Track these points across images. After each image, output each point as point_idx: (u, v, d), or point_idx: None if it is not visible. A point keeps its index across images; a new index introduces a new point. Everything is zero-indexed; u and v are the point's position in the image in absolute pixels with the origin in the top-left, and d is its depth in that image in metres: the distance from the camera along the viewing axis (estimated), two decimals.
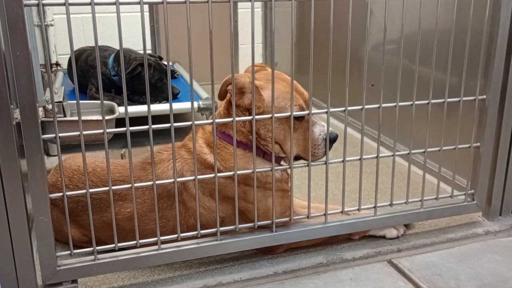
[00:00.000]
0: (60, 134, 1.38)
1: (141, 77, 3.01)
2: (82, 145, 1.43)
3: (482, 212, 2.01)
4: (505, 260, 1.74)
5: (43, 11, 1.27)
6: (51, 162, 2.52)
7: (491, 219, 1.99)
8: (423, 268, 1.70)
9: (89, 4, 1.29)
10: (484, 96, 1.80)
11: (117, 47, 3.17)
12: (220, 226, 1.62)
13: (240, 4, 4.32)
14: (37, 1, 1.26)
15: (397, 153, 1.78)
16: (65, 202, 1.45)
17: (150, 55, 3.31)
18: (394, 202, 1.81)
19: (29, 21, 1.48)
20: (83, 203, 1.71)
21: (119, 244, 1.54)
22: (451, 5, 1.66)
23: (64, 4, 1.27)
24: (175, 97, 3.17)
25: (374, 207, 1.79)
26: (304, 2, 3.65)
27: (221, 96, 1.72)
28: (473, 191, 1.93)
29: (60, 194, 1.43)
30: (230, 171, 1.61)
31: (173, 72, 3.84)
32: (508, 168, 1.93)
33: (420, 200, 1.85)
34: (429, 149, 1.80)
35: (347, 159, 1.69)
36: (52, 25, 3.86)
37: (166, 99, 3.10)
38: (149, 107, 1.44)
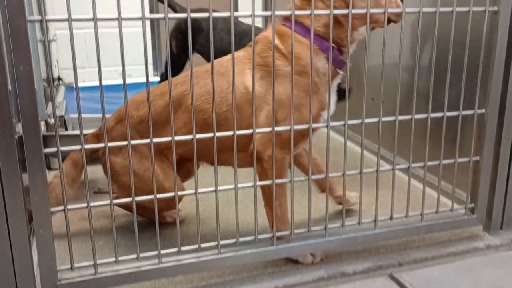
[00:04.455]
0: (62, 148, 1.39)
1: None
2: (83, 159, 1.44)
3: (483, 226, 2.01)
4: (507, 274, 1.73)
5: (46, 26, 1.29)
6: (52, 176, 2.52)
7: (492, 233, 1.99)
8: (424, 282, 1.69)
9: (92, 20, 1.31)
10: (483, 110, 1.81)
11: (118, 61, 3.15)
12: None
13: None
14: (41, 17, 1.28)
15: (397, 166, 1.78)
16: (67, 217, 1.46)
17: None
18: (394, 216, 1.81)
19: (32, 36, 1.50)
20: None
21: (120, 258, 1.54)
22: (449, 19, 1.67)
23: (67, 20, 1.29)
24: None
25: (375, 220, 1.79)
26: None
27: None
28: (473, 205, 1.93)
29: (62, 208, 1.44)
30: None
31: None
32: (509, 182, 1.93)
33: (420, 214, 1.85)
34: (428, 163, 1.80)
35: (347, 172, 1.70)
36: (54, 40, 3.89)
37: None
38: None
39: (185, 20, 1.45)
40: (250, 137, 1.60)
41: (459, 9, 1.65)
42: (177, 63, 2.84)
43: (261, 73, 1.69)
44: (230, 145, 1.55)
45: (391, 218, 1.81)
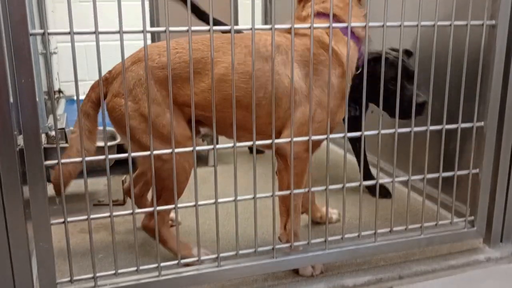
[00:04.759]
0: (63, 161, 1.40)
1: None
2: (84, 171, 1.44)
3: (483, 239, 2.00)
4: (507, 287, 1.73)
5: (48, 39, 1.30)
6: (52, 189, 2.52)
7: (492, 246, 1.98)
8: None
9: (93, 33, 1.32)
10: (482, 123, 1.82)
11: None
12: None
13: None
14: (43, 31, 1.29)
15: (396, 179, 1.78)
16: (66, 229, 1.46)
17: (392, 49, 2.26)
18: (394, 229, 1.81)
19: (34, 49, 1.51)
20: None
21: (120, 270, 1.54)
22: (448, 33, 1.69)
23: (69, 33, 1.30)
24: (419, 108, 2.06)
25: (374, 233, 1.79)
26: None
27: None
28: (473, 217, 1.93)
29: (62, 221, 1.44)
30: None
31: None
32: (508, 195, 1.94)
33: (420, 227, 1.85)
34: (428, 175, 1.81)
35: (347, 185, 1.70)
36: (55, 53, 3.91)
37: (405, 114, 1.87)
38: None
39: None
40: (279, 127, 1.63)
41: (457, 22, 1.67)
42: None
43: (307, 70, 1.69)
44: (247, 124, 1.58)
45: (391, 231, 1.81)
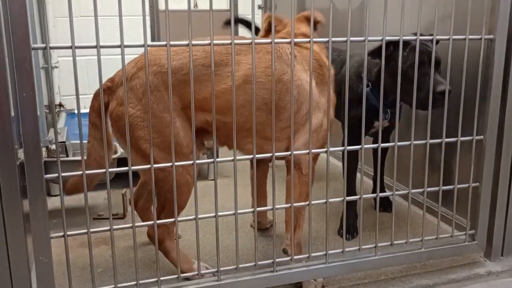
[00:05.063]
0: (63, 174, 1.40)
1: (390, 63, 1.89)
2: (84, 184, 1.44)
3: (484, 253, 2.00)
4: None
5: (49, 54, 1.31)
6: (52, 202, 2.52)
7: (493, 259, 1.98)
8: None
9: (95, 47, 1.33)
10: (482, 136, 1.83)
11: None
12: None
13: None
14: (45, 45, 1.30)
15: (396, 192, 1.78)
16: (66, 243, 1.45)
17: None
18: (394, 242, 1.81)
19: (35, 63, 1.52)
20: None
21: (119, 285, 1.53)
22: (446, 47, 1.70)
23: (70, 47, 1.31)
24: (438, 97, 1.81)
25: (375, 246, 1.78)
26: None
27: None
28: (473, 231, 1.92)
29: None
30: None
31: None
32: (509, 208, 1.93)
33: (421, 240, 1.84)
34: (428, 189, 1.81)
35: (347, 198, 1.70)
36: (56, 67, 3.93)
37: (423, 104, 1.81)
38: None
39: None
40: (294, 132, 1.67)
41: (456, 37, 1.68)
42: None
43: (317, 79, 1.76)
44: (267, 128, 1.64)
45: (391, 244, 1.81)
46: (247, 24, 2.79)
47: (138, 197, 2.07)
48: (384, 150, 1.85)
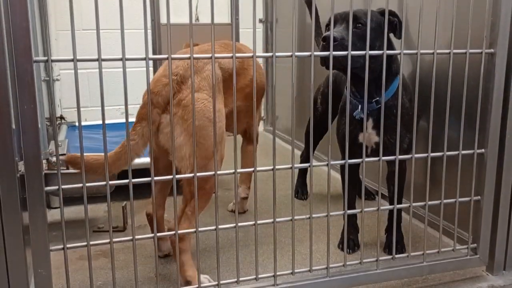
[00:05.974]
0: (63, 186, 1.39)
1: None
2: (84, 197, 1.44)
3: (486, 267, 1.98)
4: None
5: (51, 67, 1.32)
6: (51, 215, 2.51)
7: (495, 273, 1.96)
8: None
9: (97, 60, 1.34)
10: (483, 150, 1.82)
11: (120, 101, 3.18)
12: None
13: None
14: (46, 58, 1.30)
15: (398, 206, 1.78)
16: (66, 256, 1.44)
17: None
18: (396, 256, 1.80)
19: (37, 76, 1.53)
20: None
21: None
22: (447, 61, 1.70)
23: (72, 60, 1.31)
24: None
25: (376, 260, 1.77)
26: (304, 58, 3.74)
27: None
28: (475, 245, 1.91)
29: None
30: None
31: None
32: (511, 222, 1.92)
33: (422, 254, 1.83)
34: (429, 202, 1.80)
35: (348, 212, 1.70)
36: (58, 79, 3.95)
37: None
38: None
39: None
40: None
41: (456, 51, 1.69)
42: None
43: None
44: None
45: (393, 258, 1.80)
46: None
47: (159, 206, 2.10)
48: (399, 173, 1.80)
